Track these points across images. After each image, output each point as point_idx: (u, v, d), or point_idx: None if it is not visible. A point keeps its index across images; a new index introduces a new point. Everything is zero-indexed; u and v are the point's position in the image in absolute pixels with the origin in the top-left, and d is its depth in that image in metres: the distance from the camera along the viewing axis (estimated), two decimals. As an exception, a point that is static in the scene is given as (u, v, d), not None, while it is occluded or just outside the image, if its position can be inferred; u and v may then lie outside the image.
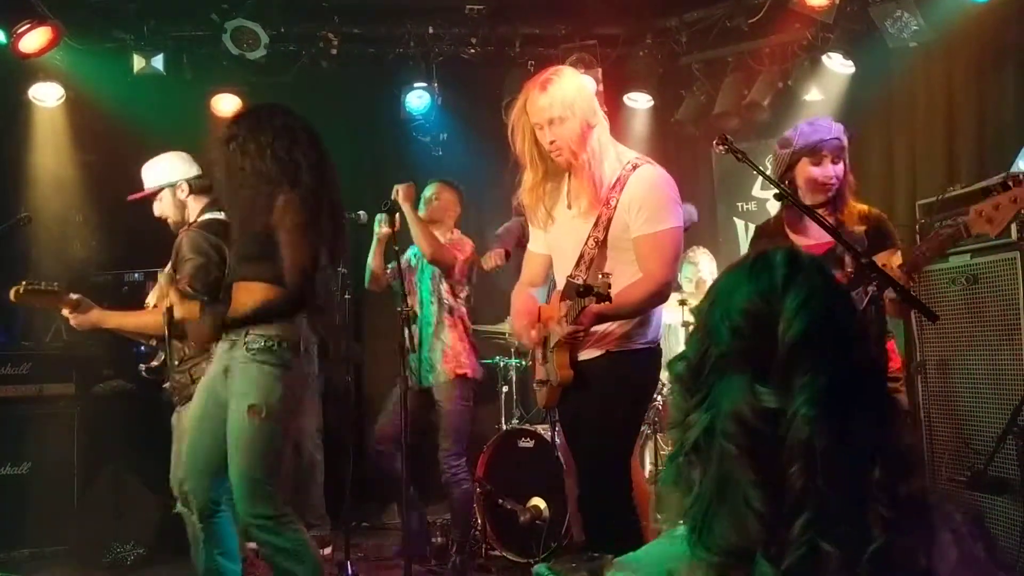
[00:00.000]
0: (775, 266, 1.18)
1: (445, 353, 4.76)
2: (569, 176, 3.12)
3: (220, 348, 3.22)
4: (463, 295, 4.91)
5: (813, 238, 3.27)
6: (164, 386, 3.92)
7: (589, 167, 3.02)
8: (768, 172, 5.96)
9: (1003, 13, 4.89)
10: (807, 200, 3.32)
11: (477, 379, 4.89)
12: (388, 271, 4.92)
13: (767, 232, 3.56)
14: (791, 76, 5.91)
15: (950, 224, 3.11)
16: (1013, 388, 3.67)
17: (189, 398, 3.76)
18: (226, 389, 3.12)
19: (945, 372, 4.01)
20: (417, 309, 4.79)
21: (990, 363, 3.81)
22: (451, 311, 4.85)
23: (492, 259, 4.71)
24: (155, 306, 3.76)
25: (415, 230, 4.58)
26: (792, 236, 3.38)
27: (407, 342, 4.11)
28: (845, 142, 3.34)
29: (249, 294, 3.12)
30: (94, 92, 5.89)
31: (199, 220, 3.91)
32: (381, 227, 4.78)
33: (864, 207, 3.36)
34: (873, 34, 5.31)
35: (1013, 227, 3.70)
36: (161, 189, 3.98)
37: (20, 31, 5.05)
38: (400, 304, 4.24)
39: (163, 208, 3.99)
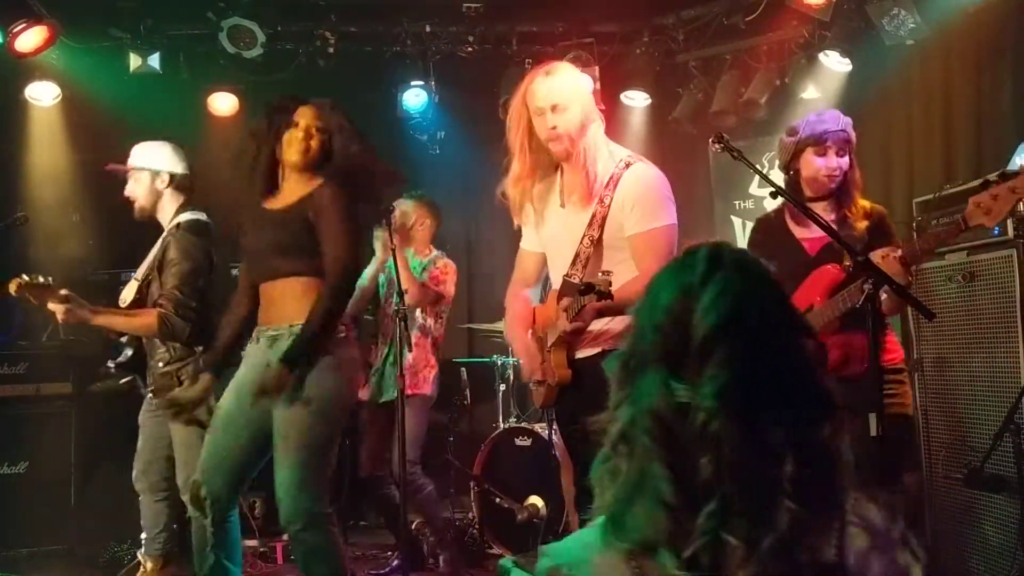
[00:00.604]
0: (696, 262, 1.19)
1: (407, 370, 4.69)
2: (561, 172, 3.11)
3: (255, 348, 3.20)
4: (444, 316, 4.89)
5: (815, 231, 3.23)
6: (125, 380, 4.08)
7: (584, 160, 3.01)
8: (767, 166, 5.99)
9: (1000, 11, 4.89)
10: (810, 192, 3.33)
11: (432, 396, 4.84)
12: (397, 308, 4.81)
13: (766, 225, 3.55)
14: (788, 74, 5.90)
15: (948, 220, 3.12)
16: (1010, 385, 3.67)
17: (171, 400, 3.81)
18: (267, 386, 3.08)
19: (942, 369, 4.02)
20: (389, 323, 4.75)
21: (987, 360, 3.81)
22: (423, 330, 4.81)
23: None
24: (130, 304, 3.84)
25: (402, 274, 4.43)
26: (793, 228, 3.37)
27: (403, 341, 4.10)
28: (852, 137, 3.33)
29: (293, 295, 3.11)
30: (90, 91, 5.88)
31: (183, 221, 3.91)
32: (381, 247, 4.68)
33: (867, 204, 3.35)
34: (870, 32, 5.30)
35: (1010, 224, 3.71)
36: (142, 171, 3.98)
37: (16, 30, 5.04)
38: (396, 303, 4.22)
39: (135, 189, 3.98)
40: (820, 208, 3.28)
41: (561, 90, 2.99)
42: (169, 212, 3.97)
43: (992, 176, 2.90)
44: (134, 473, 4.13)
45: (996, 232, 3.76)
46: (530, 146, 3.07)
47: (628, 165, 3.02)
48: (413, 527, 5.18)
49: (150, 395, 3.95)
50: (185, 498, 3.74)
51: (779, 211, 3.50)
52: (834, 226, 3.23)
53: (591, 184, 3.00)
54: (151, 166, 3.97)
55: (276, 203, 3.25)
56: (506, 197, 3.20)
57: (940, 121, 5.32)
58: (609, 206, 2.98)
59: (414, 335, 4.74)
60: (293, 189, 3.24)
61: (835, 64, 5.57)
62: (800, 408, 1.15)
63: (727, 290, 1.16)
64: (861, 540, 1.15)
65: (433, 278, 4.79)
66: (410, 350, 4.43)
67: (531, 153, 3.08)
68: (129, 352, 4.04)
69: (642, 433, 1.14)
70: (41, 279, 3.76)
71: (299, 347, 3.02)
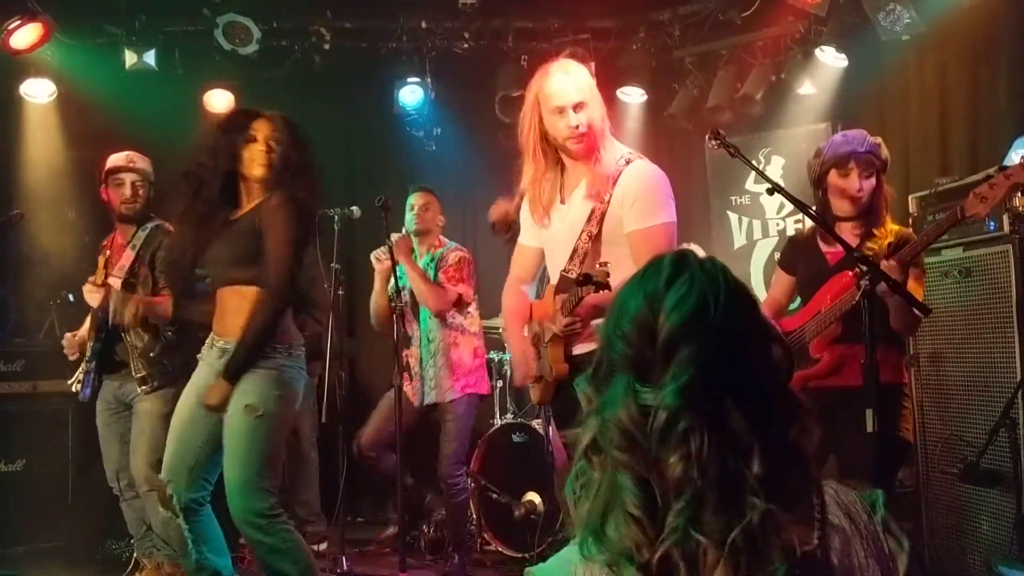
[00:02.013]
0: (662, 269, 1.20)
1: (453, 371, 4.68)
2: (562, 169, 3.10)
3: (209, 354, 3.28)
4: (471, 308, 4.84)
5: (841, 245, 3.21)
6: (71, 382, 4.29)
7: (597, 158, 2.99)
8: (763, 161, 5.98)
9: (995, 5, 4.90)
10: (837, 212, 3.26)
11: (486, 395, 4.90)
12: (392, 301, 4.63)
13: (798, 239, 3.55)
14: (784, 69, 5.91)
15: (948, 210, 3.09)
16: (1005, 380, 3.68)
17: (164, 384, 4.04)
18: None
19: (938, 365, 4.02)
20: (416, 329, 4.75)
21: (983, 356, 3.82)
22: (460, 329, 4.76)
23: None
24: (100, 284, 4.05)
25: (418, 287, 4.57)
26: (820, 243, 3.31)
27: (401, 339, 4.10)
28: (883, 157, 3.26)
29: (242, 300, 3.16)
30: (86, 88, 5.87)
31: (163, 224, 4.22)
32: (380, 262, 4.68)
33: (896, 227, 3.27)
34: (866, 27, 5.31)
35: (1006, 219, 3.72)
36: (148, 174, 4.28)
37: (11, 27, 5.05)
38: (393, 300, 4.22)
39: (135, 192, 4.22)
40: (848, 227, 3.25)
41: (584, 87, 2.98)
42: (141, 216, 4.26)
43: (992, 171, 2.90)
44: (108, 476, 4.27)
45: (992, 227, 3.77)
46: (542, 148, 3.04)
47: (628, 162, 3.01)
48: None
49: (139, 383, 4.09)
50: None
51: (813, 228, 3.43)
52: (858, 239, 3.19)
53: (604, 181, 2.98)
54: (151, 176, 4.30)
55: (236, 214, 3.31)
56: (523, 199, 3.19)
57: (936, 116, 5.33)
58: (608, 202, 2.97)
59: (452, 335, 4.70)
60: (252, 201, 3.29)
61: (831, 59, 5.57)
62: (764, 408, 1.15)
63: (691, 291, 1.17)
64: (843, 531, 1.16)
65: (449, 278, 4.70)
66: (408, 346, 4.44)
67: (545, 154, 3.05)
68: (98, 347, 4.17)
69: (609, 443, 1.15)
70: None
71: (236, 364, 3.11)
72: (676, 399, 1.11)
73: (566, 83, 2.97)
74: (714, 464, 1.10)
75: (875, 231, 3.21)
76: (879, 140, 3.29)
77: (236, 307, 3.17)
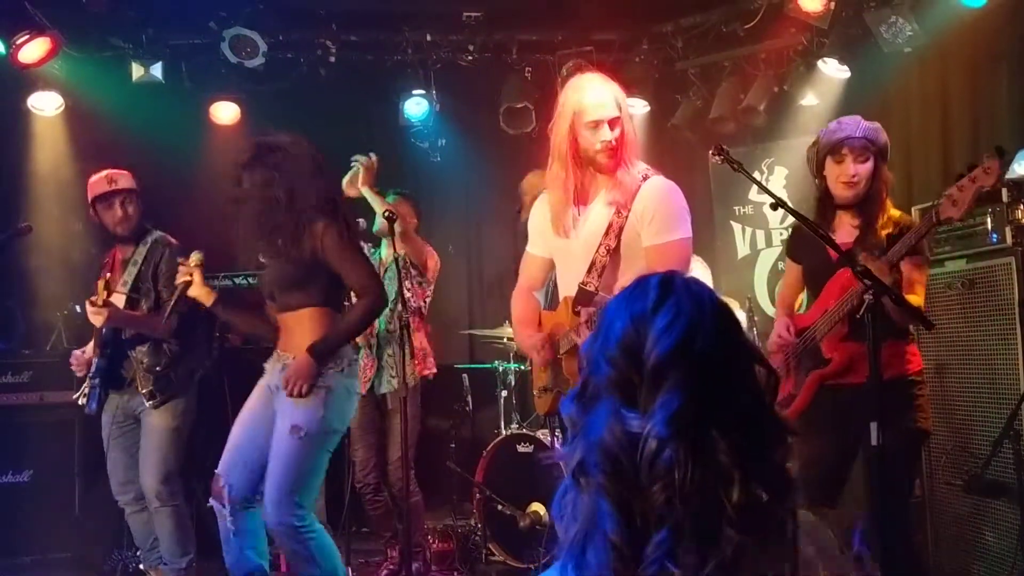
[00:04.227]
0: (648, 290, 1.18)
1: (414, 355, 4.61)
2: (582, 179, 3.11)
3: (275, 367, 3.42)
4: (427, 299, 4.88)
5: (840, 236, 3.22)
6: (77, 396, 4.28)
7: (623, 170, 3.04)
8: (766, 172, 5.99)
9: (997, 18, 4.92)
10: (836, 200, 3.28)
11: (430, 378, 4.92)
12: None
13: (799, 230, 3.53)
14: (787, 81, 5.94)
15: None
16: (1009, 392, 3.69)
17: (171, 397, 4.13)
18: (275, 402, 3.37)
19: (942, 376, 4.03)
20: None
21: (986, 367, 3.84)
22: (419, 313, 4.79)
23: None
24: (101, 302, 3.98)
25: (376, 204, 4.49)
26: None
27: (405, 349, 4.10)
28: (879, 141, 3.26)
29: (304, 326, 3.35)
30: (93, 101, 5.91)
31: (165, 237, 4.28)
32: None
33: (896, 213, 3.30)
34: (868, 39, 5.33)
35: (1008, 232, 3.74)
36: (133, 190, 4.28)
37: (19, 42, 5.08)
38: (401, 311, 4.22)
39: (124, 211, 4.23)
40: (847, 216, 3.28)
41: (621, 102, 3.06)
42: (137, 231, 4.27)
43: (963, 171, 2.93)
44: (114, 489, 4.30)
45: (995, 239, 3.79)
46: (574, 160, 3.07)
47: (646, 178, 3.06)
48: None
49: (146, 397, 4.14)
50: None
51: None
52: (857, 231, 3.23)
53: (627, 191, 3.02)
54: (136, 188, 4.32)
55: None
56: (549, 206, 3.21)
57: (938, 128, 5.34)
58: (627, 217, 3.01)
59: (414, 321, 4.65)
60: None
61: (833, 71, 5.60)
62: (750, 433, 1.13)
63: (679, 317, 1.15)
64: (814, 564, 1.14)
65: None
66: (412, 356, 4.44)
67: (572, 165, 3.08)
68: (103, 363, 4.20)
69: (593, 467, 1.13)
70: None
71: (324, 346, 3.29)
72: (666, 428, 1.09)
73: (603, 98, 3.02)
74: (695, 495, 1.08)
75: (874, 219, 3.22)
76: (877, 125, 3.31)
77: (296, 328, 3.37)
